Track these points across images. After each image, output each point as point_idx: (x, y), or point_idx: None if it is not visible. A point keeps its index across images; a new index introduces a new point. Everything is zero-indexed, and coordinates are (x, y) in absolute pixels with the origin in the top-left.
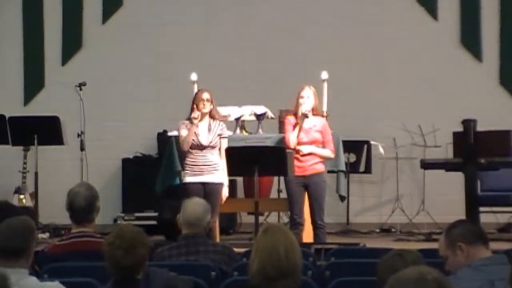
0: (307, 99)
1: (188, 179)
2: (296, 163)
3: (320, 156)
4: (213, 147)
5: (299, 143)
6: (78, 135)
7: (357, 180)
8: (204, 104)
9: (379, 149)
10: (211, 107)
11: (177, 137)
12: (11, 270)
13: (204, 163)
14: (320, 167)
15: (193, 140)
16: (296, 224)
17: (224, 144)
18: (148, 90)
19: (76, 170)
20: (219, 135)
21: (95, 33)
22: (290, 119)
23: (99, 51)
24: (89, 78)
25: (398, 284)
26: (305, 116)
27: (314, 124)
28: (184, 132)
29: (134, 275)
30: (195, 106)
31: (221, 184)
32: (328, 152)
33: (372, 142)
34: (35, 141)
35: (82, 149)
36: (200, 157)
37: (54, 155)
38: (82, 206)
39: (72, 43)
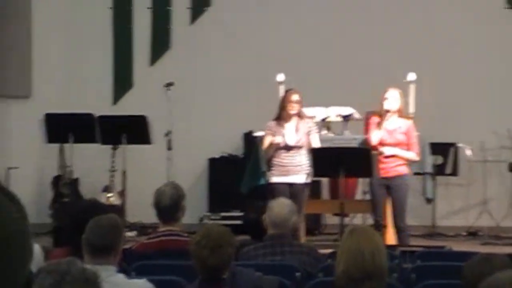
0: (392, 100)
1: (274, 179)
2: (379, 164)
3: (404, 159)
4: (300, 147)
5: (382, 144)
6: (166, 135)
7: (443, 183)
8: (292, 106)
9: (467, 151)
10: (299, 107)
11: (262, 138)
12: (100, 267)
13: (291, 164)
14: (403, 169)
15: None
16: (378, 226)
17: (314, 139)
18: (234, 90)
19: (163, 169)
20: (308, 132)
21: (183, 33)
22: (374, 119)
23: (187, 52)
24: (176, 78)
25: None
26: (387, 111)
27: (399, 126)
28: (268, 139)
29: (220, 274)
30: (283, 107)
31: (307, 185)
32: (412, 155)
33: (459, 145)
34: (124, 140)
35: (169, 148)
36: (287, 157)
37: (141, 154)
38: (168, 205)
39: (160, 43)
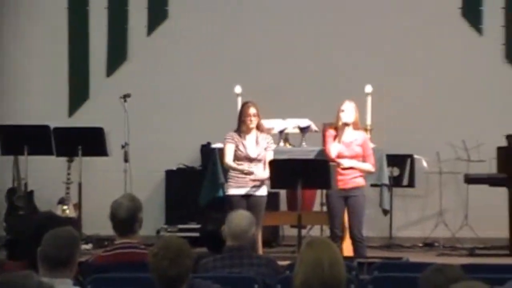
0: (348, 111)
1: (232, 191)
2: (336, 176)
3: (361, 170)
4: (259, 160)
5: (340, 156)
6: (122, 147)
7: (400, 194)
8: (251, 120)
9: (423, 163)
10: (258, 120)
11: (220, 149)
12: (56, 280)
13: (249, 176)
14: (361, 181)
15: (241, 152)
16: (335, 238)
17: (269, 156)
18: (192, 102)
19: (120, 181)
20: (265, 148)
21: (140, 45)
22: (331, 131)
23: (144, 63)
24: (133, 89)
25: None
26: (345, 124)
27: (355, 138)
28: (229, 150)
29: (179, 286)
30: (242, 121)
31: (264, 197)
32: (368, 166)
33: (415, 156)
34: (79, 152)
35: (126, 160)
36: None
37: (98, 166)
38: (124, 217)
39: (117, 55)
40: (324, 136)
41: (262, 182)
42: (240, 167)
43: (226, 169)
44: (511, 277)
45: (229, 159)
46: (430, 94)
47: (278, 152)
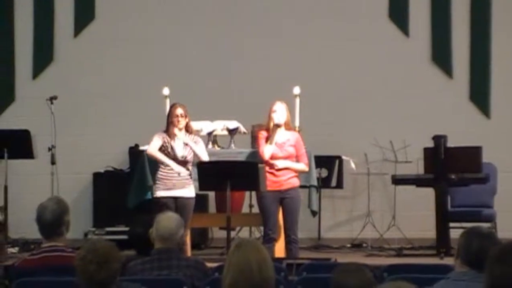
0: (279, 112)
1: (160, 193)
2: (271, 177)
3: (295, 170)
4: (187, 162)
5: (273, 158)
6: (49, 149)
7: (328, 195)
8: (179, 120)
9: (351, 164)
10: (186, 121)
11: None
12: None
13: (177, 178)
14: (296, 182)
15: (168, 153)
16: (270, 239)
17: (201, 150)
18: (119, 104)
19: (47, 184)
20: (193, 143)
21: (67, 46)
22: (263, 133)
23: (71, 65)
24: (60, 92)
25: None
26: (278, 126)
27: (288, 139)
28: (156, 142)
29: None
30: (170, 123)
31: (193, 199)
32: (302, 166)
33: (343, 157)
34: (5, 155)
35: (52, 163)
36: (173, 171)
37: (24, 169)
38: (49, 220)
39: (43, 56)
40: (256, 138)
41: (189, 181)
42: (165, 161)
43: (154, 172)
44: (438, 277)
45: (154, 148)
46: (358, 95)
47: (207, 154)
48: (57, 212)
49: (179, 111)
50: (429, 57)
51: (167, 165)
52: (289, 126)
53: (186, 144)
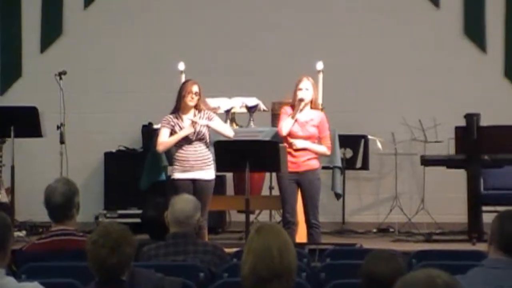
0: (306, 91)
1: (177, 175)
2: (289, 158)
3: (315, 152)
4: (201, 139)
5: (293, 136)
6: (58, 127)
7: (353, 177)
8: (192, 97)
9: (377, 144)
10: (198, 100)
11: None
12: None
13: (195, 158)
14: (315, 164)
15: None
16: (288, 223)
17: (219, 123)
18: (132, 80)
19: (55, 164)
20: (207, 121)
21: (76, 18)
22: (287, 109)
23: (81, 38)
24: (69, 67)
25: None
26: (301, 100)
27: (311, 118)
28: (165, 133)
29: (119, 275)
30: (182, 97)
31: (212, 181)
32: (324, 149)
33: (369, 137)
34: (12, 133)
35: (62, 142)
36: (191, 151)
37: (32, 148)
38: (59, 203)
39: (51, 29)
40: (275, 116)
41: (208, 162)
42: (173, 138)
43: (170, 152)
44: (470, 264)
45: (163, 139)
46: (385, 71)
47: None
48: (67, 194)
49: (195, 88)
50: (461, 30)
51: (184, 143)
52: (315, 104)
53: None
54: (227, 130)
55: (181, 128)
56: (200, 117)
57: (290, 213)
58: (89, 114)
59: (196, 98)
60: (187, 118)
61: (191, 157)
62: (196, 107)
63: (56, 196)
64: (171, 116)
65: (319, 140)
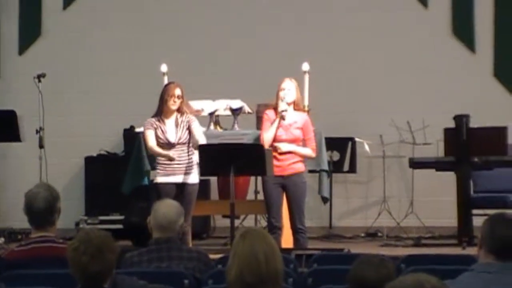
0: (288, 91)
1: (160, 179)
2: (274, 162)
3: (300, 155)
4: (183, 143)
5: (277, 140)
6: (37, 131)
7: (341, 181)
8: (174, 101)
9: (365, 146)
10: (180, 103)
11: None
12: None
13: (178, 162)
14: (300, 167)
15: (160, 138)
16: (273, 228)
17: (198, 129)
18: (113, 82)
19: (35, 170)
20: (188, 125)
21: (56, 19)
22: (269, 114)
23: (60, 40)
24: (49, 69)
25: None
26: (282, 117)
27: (295, 121)
28: (151, 135)
29: (101, 283)
30: (164, 101)
31: (196, 185)
32: (309, 151)
33: (357, 139)
34: None
35: (41, 146)
36: (173, 155)
37: (10, 152)
38: (41, 209)
39: (30, 30)
40: (260, 119)
41: (191, 166)
42: (164, 153)
43: (152, 156)
44: (460, 269)
45: (152, 143)
46: (372, 72)
47: (208, 136)
48: (49, 200)
49: (177, 91)
50: (450, 30)
51: (167, 147)
52: (298, 106)
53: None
54: (201, 138)
55: (163, 132)
56: (181, 121)
57: (275, 218)
58: (69, 117)
59: (178, 101)
60: (169, 122)
61: (174, 161)
62: (179, 110)
63: (38, 202)
64: (153, 119)
65: (304, 142)
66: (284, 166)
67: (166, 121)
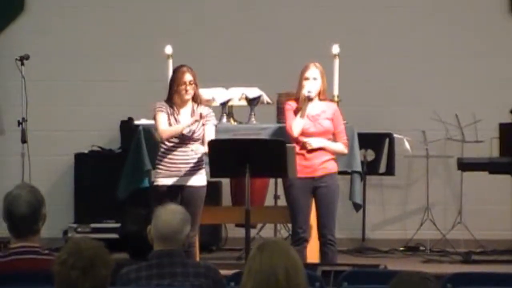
0: (313, 80)
1: (161, 180)
2: (301, 161)
3: (332, 152)
4: (196, 140)
5: (304, 134)
6: (19, 123)
7: (376, 184)
8: (186, 90)
9: (405, 144)
10: (195, 90)
11: (145, 127)
12: None
13: (184, 161)
14: (333, 166)
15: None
16: (299, 240)
17: (209, 131)
18: (109, 66)
19: (16, 168)
20: (204, 122)
21: None
22: (291, 104)
23: (47, 17)
24: (33, 50)
25: None
26: (309, 98)
27: (323, 110)
28: (163, 118)
29: None
30: (175, 92)
31: (203, 188)
32: (341, 147)
33: (395, 136)
34: None
35: (23, 141)
36: (180, 152)
37: None
38: (23, 214)
39: (11, 5)
40: (281, 110)
41: (199, 165)
42: (184, 125)
43: (155, 153)
44: None
45: (164, 127)
46: (414, 57)
47: (220, 131)
48: (33, 204)
49: (187, 77)
50: (507, 9)
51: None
52: (324, 95)
53: (198, 120)
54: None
55: (176, 121)
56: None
57: (303, 228)
58: (56, 107)
59: (191, 88)
60: (184, 112)
61: (179, 159)
62: (194, 98)
63: (19, 206)
64: (165, 103)
65: (334, 136)
66: (315, 166)
67: (181, 111)
